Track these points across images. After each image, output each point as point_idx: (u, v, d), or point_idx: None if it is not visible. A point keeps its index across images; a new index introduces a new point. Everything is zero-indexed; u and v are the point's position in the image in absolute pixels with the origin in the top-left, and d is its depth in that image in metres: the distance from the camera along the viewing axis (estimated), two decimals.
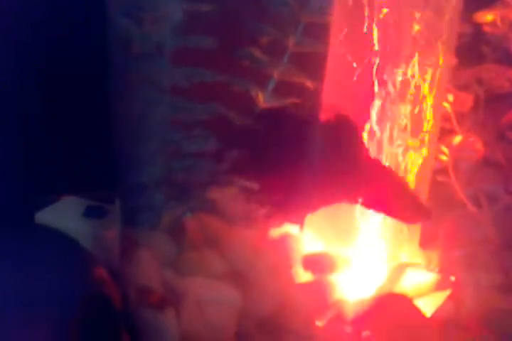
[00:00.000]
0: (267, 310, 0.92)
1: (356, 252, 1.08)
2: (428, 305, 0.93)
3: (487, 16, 1.11)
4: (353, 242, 1.08)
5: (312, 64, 1.19)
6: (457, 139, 1.17)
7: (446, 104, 1.19)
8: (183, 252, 0.98)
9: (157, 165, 1.00)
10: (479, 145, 1.17)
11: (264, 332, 0.90)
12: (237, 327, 0.88)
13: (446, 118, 1.20)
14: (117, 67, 0.93)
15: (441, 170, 1.20)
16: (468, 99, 1.20)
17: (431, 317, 0.92)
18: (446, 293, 0.95)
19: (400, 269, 1.00)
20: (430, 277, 1.00)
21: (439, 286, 0.97)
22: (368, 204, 1.05)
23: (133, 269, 0.93)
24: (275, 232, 1.12)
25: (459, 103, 1.20)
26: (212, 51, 1.11)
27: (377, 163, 1.05)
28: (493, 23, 1.13)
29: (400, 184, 1.05)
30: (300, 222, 1.17)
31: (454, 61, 1.20)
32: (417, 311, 0.90)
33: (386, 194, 1.03)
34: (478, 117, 1.20)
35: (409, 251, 1.08)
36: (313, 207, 1.12)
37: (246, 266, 0.99)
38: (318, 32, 1.19)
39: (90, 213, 1.09)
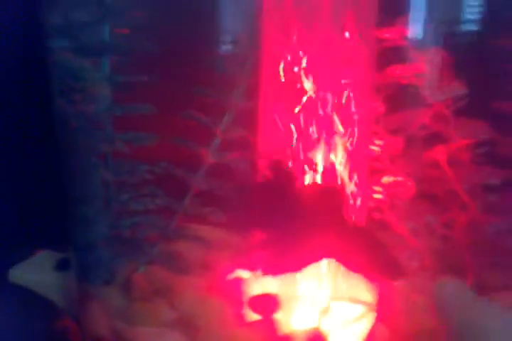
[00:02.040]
0: None
1: (302, 289, 1.14)
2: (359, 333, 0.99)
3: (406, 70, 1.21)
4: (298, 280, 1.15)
5: (251, 120, 1.28)
6: (388, 178, 1.24)
7: (375, 148, 1.28)
8: (133, 304, 1.05)
9: (103, 224, 1.08)
10: (410, 182, 1.24)
11: None
12: None
13: (377, 159, 1.29)
14: (60, 137, 1.02)
15: (377, 209, 1.28)
16: (398, 142, 1.28)
17: None
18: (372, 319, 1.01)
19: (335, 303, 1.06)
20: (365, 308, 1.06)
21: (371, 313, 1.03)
22: (342, 263, 1.08)
23: (87, 320, 1.01)
24: (226, 278, 1.19)
25: (389, 146, 1.29)
26: (152, 116, 1.20)
27: (346, 221, 1.10)
28: (413, 75, 1.22)
29: (373, 242, 1.08)
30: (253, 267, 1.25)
31: (382, 108, 1.30)
32: None
33: (359, 253, 1.06)
34: (410, 156, 1.28)
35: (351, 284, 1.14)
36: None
37: (194, 312, 1.05)
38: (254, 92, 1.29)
39: (61, 266, 1.17)
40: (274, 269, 1.13)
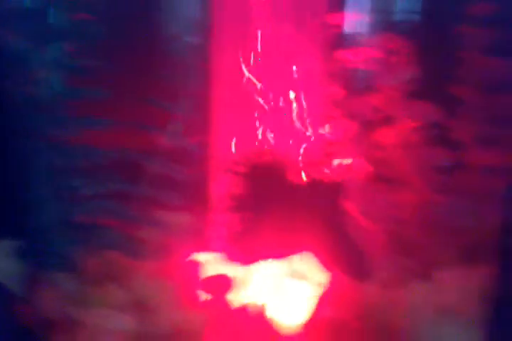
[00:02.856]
0: (162, 329, 0.99)
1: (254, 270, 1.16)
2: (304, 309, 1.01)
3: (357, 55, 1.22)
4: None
5: (209, 105, 1.29)
6: (345, 161, 1.26)
7: (327, 132, 1.30)
8: (85, 288, 1.05)
9: (55, 210, 1.08)
10: (366, 165, 1.26)
11: None
12: None
13: (332, 143, 1.31)
14: (7, 123, 1.01)
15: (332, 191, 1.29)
16: (353, 126, 1.29)
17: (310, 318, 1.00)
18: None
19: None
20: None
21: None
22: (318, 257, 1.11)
23: (41, 304, 1.02)
24: (181, 261, 1.20)
25: (344, 129, 1.30)
26: (108, 101, 1.20)
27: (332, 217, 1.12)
28: (364, 61, 1.24)
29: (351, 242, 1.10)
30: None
31: (342, 92, 1.31)
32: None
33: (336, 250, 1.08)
34: (365, 139, 1.30)
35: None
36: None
37: (144, 294, 1.06)
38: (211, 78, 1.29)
39: (20, 254, 1.17)
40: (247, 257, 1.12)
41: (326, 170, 1.27)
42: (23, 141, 1.05)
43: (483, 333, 1.03)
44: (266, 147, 1.23)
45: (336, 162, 1.27)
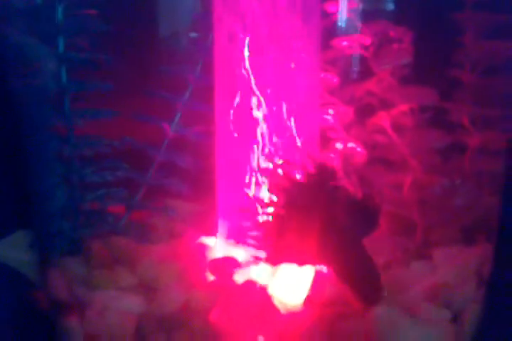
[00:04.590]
0: (167, 311, 1.02)
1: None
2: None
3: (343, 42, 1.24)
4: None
5: (209, 95, 1.31)
6: (340, 145, 1.28)
7: (328, 117, 1.31)
8: (94, 271, 1.09)
9: (61, 197, 1.12)
10: (361, 148, 1.27)
11: (164, 329, 1.00)
12: (136, 327, 0.99)
13: (330, 128, 1.33)
14: (16, 116, 1.05)
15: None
16: (349, 112, 1.31)
17: (306, 299, 1.02)
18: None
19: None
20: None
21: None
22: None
23: (51, 288, 1.05)
24: (188, 244, 1.23)
25: (341, 115, 1.32)
26: (115, 93, 1.23)
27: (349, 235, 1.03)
28: (350, 47, 1.25)
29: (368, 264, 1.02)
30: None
31: (335, 80, 1.33)
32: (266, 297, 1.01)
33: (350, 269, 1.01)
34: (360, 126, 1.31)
35: None
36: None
37: (152, 276, 1.09)
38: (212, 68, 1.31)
39: (35, 243, 1.21)
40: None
41: (331, 155, 1.29)
42: (31, 132, 1.09)
43: (480, 313, 1.05)
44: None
45: (337, 146, 1.29)
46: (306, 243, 1.01)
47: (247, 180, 1.17)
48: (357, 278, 1.01)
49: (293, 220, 1.01)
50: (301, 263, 1.03)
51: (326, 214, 1.01)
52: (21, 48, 1.03)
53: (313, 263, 1.04)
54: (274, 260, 1.05)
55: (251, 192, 1.17)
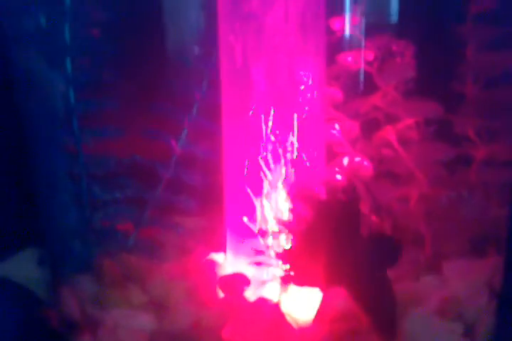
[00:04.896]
0: (179, 328, 1.02)
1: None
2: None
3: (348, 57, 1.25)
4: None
5: (215, 112, 1.32)
6: (346, 160, 1.28)
7: (334, 132, 1.32)
8: (105, 289, 1.09)
9: (72, 215, 1.12)
10: (367, 163, 1.28)
11: None
12: None
13: (336, 143, 1.33)
14: (26, 135, 1.06)
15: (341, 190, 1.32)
16: (354, 127, 1.32)
17: (316, 316, 1.02)
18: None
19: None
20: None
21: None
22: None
23: (63, 307, 1.05)
24: (197, 261, 1.23)
25: (347, 130, 1.33)
26: (119, 110, 1.24)
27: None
28: (355, 62, 1.26)
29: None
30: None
31: (340, 95, 1.33)
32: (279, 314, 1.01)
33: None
34: (366, 140, 1.32)
35: None
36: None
37: (163, 294, 1.09)
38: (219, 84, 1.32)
39: (43, 261, 1.22)
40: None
41: (337, 169, 1.29)
42: (42, 152, 1.09)
43: (491, 325, 1.05)
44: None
45: (344, 161, 1.29)
46: (330, 267, 1.01)
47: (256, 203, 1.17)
48: (374, 308, 1.00)
49: (318, 243, 1.01)
50: (321, 286, 1.03)
51: (351, 239, 1.01)
52: (30, 71, 1.04)
53: (333, 287, 1.03)
54: (298, 281, 1.05)
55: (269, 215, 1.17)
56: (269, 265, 1.11)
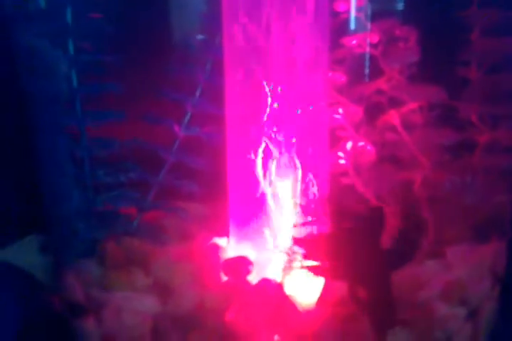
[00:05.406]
0: (183, 310, 1.02)
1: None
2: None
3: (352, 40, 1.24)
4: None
5: (219, 95, 1.31)
6: (349, 144, 1.27)
7: (337, 116, 1.31)
8: (108, 272, 1.09)
9: (76, 199, 1.11)
10: (370, 147, 1.27)
11: (179, 327, 1.00)
12: (152, 327, 0.99)
13: (339, 127, 1.32)
14: (28, 117, 1.05)
15: (344, 174, 1.31)
16: (358, 111, 1.31)
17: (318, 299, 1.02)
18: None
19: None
20: None
21: None
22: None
23: (66, 290, 1.05)
24: (201, 245, 1.23)
25: (351, 114, 1.32)
26: (123, 94, 1.23)
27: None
28: (359, 45, 1.25)
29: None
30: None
31: (343, 78, 1.32)
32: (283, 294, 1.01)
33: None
34: (370, 124, 1.31)
35: None
36: None
37: (167, 276, 1.09)
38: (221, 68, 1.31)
39: (46, 247, 1.21)
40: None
41: (340, 154, 1.28)
42: (45, 135, 1.09)
43: (493, 309, 1.05)
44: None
45: (347, 145, 1.28)
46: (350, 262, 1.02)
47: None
48: (382, 304, 1.01)
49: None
50: (335, 278, 1.04)
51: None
52: (34, 51, 1.03)
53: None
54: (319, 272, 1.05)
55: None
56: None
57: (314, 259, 1.02)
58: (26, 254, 1.20)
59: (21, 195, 1.24)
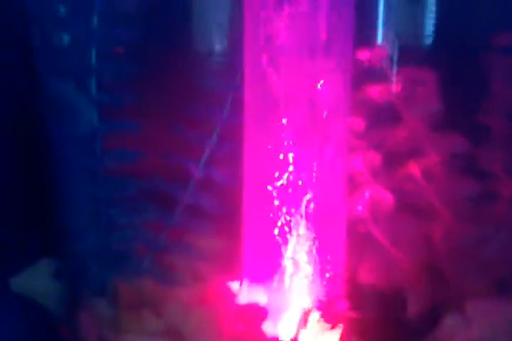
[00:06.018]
0: None
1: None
2: None
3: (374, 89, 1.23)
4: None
5: (238, 135, 1.30)
6: (367, 192, 1.25)
7: (356, 162, 1.29)
8: (120, 313, 1.06)
9: (92, 237, 1.10)
10: (388, 195, 1.25)
11: None
12: None
13: (357, 173, 1.30)
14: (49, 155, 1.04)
15: (360, 221, 1.29)
16: (377, 157, 1.29)
17: None
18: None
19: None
20: None
21: None
22: None
23: (78, 328, 1.03)
24: (215, 289, 1.20)
25: (370, 161, 1.30)
26: (140, 133, 1.22)
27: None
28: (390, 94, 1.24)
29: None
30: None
31: (362, 124, 1.31)
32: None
33: None
34: (389, 170, 1.29)
35: None
36: None
37: (179, 321, 1.06)
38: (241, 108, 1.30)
39: (59, 273, 1.19)
40: None
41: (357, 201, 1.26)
42: (65, 173, 1.07)
43: None
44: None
45: (363, 193, 1.26)
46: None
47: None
48: None
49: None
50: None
51: None
52: (57, 93, 1.02)
53: None
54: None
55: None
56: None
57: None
58: (38, 279, 1.17)
59: (39, 221, 1.21)
